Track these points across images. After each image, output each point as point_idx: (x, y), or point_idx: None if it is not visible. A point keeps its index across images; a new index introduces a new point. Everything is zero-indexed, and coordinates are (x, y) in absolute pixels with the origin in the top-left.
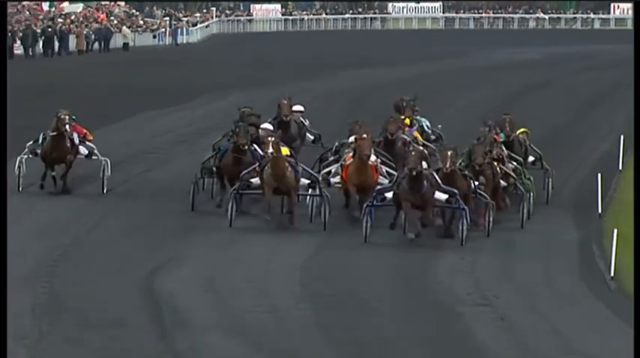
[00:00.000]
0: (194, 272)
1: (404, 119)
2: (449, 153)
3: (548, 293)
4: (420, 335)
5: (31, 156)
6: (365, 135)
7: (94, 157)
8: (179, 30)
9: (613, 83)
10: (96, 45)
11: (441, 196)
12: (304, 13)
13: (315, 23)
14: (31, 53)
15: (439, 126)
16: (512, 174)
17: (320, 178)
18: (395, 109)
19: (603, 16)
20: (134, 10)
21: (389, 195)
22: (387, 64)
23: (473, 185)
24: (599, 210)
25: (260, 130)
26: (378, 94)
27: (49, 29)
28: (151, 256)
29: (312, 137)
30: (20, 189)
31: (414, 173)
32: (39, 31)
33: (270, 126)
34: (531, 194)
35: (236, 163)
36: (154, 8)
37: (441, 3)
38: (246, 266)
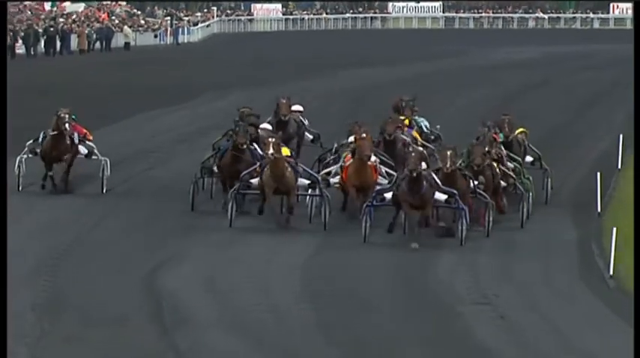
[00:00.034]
0: (194, 271)
1: (403, 119)
2: (449, 153)
3: (548, 292)
4: (420, 334)
5: (30, 155)
6: (364, 135)
7: (93, 157)
8: (180, 29)
9: (612, 82)
10: (97, 44)
11: (440, 196)
12: (305, 12)
13: (315, 23)
14: (32, 52)
15: (438, 126)
16: (512, 174)
17: (320, 178)
18: (394, 110)
19: (602, 16)
20: (135, 10)
21: (388, 195)
22: (387, 63)
23: (472, 185)
24: (599, 209)
25: (259, 130)
26: (378, 94)
27: (51, 29)
28: (151, 256)
29: (311, 136)
30: (20, 188)
31: (414, 174)
32: (41, 30)
33: (269, 126)
34: (530, 194)
35: (235, 163)
36: (155, 8)
37: (440, 3)
38: (246, 265)
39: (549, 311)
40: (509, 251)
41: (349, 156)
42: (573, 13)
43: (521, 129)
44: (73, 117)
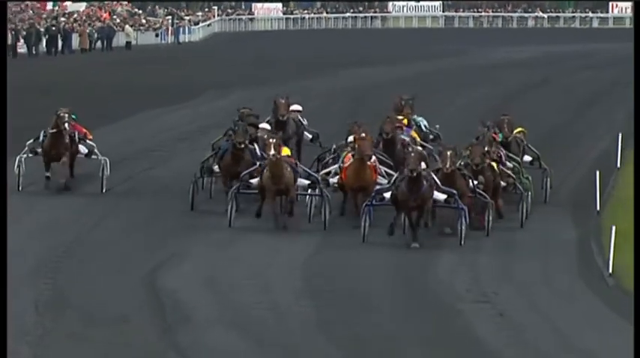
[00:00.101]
0: (195, 270)
1: (401, 119)
2: (449, 153)
3: (547, 291)
4: (420, 333)
5: (30, 155)
6: (364, 135)
7: (93, 156)
8: (181, 29)
9: (611, 82)
10: (99, 43)
11: (439, 196)
12: (305, 12)
13: (315, 22)
14: (34, 52)
15: (437, 125)
16: (512, 173)
17: (319, 178)
18: (395, 110)
19: (602, 15)
20: (137, 9)
21: (387, 195)
22: (387, 62)
23: (472, 184)
24: (598, 208)
25: (259, 130)
26: (378, 93)
27: (53, 28)
28: (151, 256)
29: (310, 136)
30: (20, 188)
31: (414, 174)
32: (43, 29)
33: (267, 126)
34: (530, 193)
35: (236, 163)
36: (157, 7)
37: (440, 2)
38: (246, 265)
39: (548, 308)
40: (509, 250)
41: (349, 155)
42: (572, 12)
43: (519, 129)
44: (73, 116)
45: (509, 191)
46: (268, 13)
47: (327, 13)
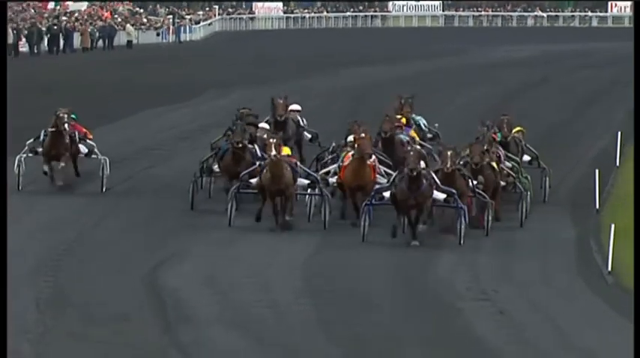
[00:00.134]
0: (195, 269)
1: (400, 118)
2: (449, 153)
3: (547, 289)
4: (420, 331)
5: (30, 154)
6: (364, 135)
7: (93, 156)
8: (182, 28)
9: (611, 81)
10: (100, 42)
11: (439, 196)
12: (305, 11)
13: (316, 21)
14: (36, 51)
15: (436, 124)
16: (512, 173)
17: (319, 178)
18: (396, 110)
19: (601, 14)
20: (138, 8)
21: (387, 194)
22: (387, 61)
23: (471, 184)
24: (597, 206)
25: (258, 130)
26: (378, 92)
27: (55, 27)
28: (152, 255)
29: (309, 136)
30: (20, 188)
31: (414, 173)
32: (44, 28)
33: (266, 126)
34: (529, 193)
35: (235, 162)
36: (158, 6)
37: (440, 1)
38: (246, 264)
39: (548, 306)
40: (509, 249)
41: (349, 155)
42: (572, 11)
43: (518, 129)
44: (73, 116)
45: (509, 190)
46: (269, 13)
47: (327, 12)
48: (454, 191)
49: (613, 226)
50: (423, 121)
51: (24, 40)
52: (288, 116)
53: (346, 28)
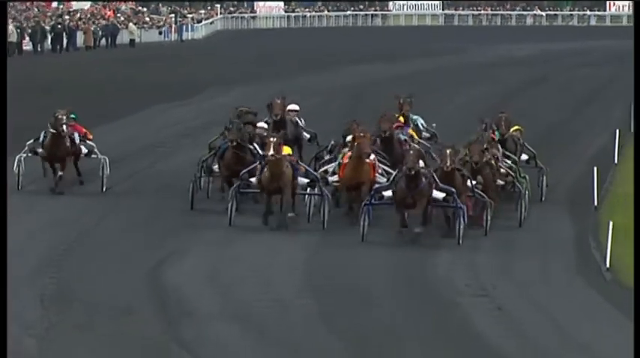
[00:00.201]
0: (196, 268)
1: (397, 117)
2: (448, 151)
3: (546, 285)
4: (420, 326)
5: (30, 154)
6: (363, 134)
7: (93, 156)
8: (184, 26)
9: (609, 79)
10: (103, 41)
11: (438, 195)
12: (306, 10)
13: (317, 20)
14: (39, 49)
15: (434, 124)
16: (510, 172)
17: (319, 177)
18: (398, 109)
19: (599, 13)
20: (140, 7)
21: (386, 193)
22: (387, 60)
23: (470, 183)
24: (595, 203)
25: (257, 129)
26: (377, 91)
27: (58, 26)
28: (152, 255)
29: (307, 136)
30: (20, 188)
31: (413, 172)
32: (48, 27)
33: (265, 126)
34: (527, 192)
35: (235, 161)
36: (160, 5)
37: (440, 1)
38: (246, 264)
39: (546, 302)
40: (507, 247)
41: (348, 154)
42: (570, 10)
43: (516, 127)
44: (73, 116)
45: (508, 190)
46: (270, 12)
47: (328, 11)
48: (453, 190)
49: (611, 223)
50: (420, 121)
51: (27, 38)
52: (285, 116)
53: (347, 27)
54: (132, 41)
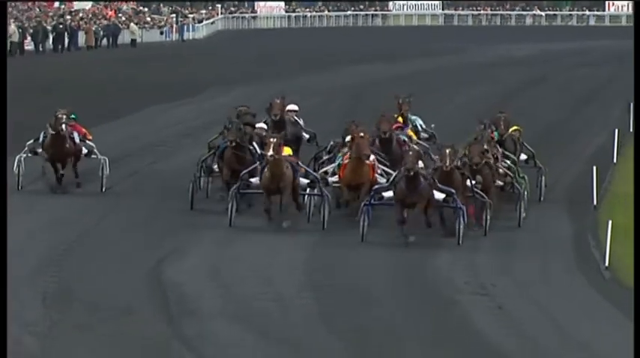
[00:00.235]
0: (197, 265)
1: (397, 117)
2: (447, 151)
3: (545, 284)
4: (420, 324)
5: (30, 154)
6: (362, 134)
7: (93, 156)
8: (185, 26)
9: (608, 79)
10: (104, 41)
11: (438, 195)
12: (307, 10)
13: (317, 20)
14: (41, 49)
15: (432, 125)
16: (509, 172)
17: (319, 178)
18: (398, 109)
19: (598, 13)
20: (142, 7)
21: (386, 194)
22: (387, 60)
23: (470, 184)
24: (594, 202)
25: (256, 129)
26: (377, 90)
27: (60, 25)
28: (152, 255)
29: (307, 136)
30: (20, 188)
31: (412, 173)
32: (49, 27)
33: (264, 126)
34: (526, 192)
35: (235, 161)
36: (161, 5)
37: (440, 1)
38: (246, 264)
39: (546, 301)
40: (507, 246)
41: (348, 154)
42: (570, 10)
43: (515, 127)
44: (73, 116)
45: (507, 190)
46: (271, 12)
47: (328, 11)
48: (453, 191)
49: (610, 222)
50: (419, 121)
51: (29, 38)
52: (284, 116)
53: (347, 27)
54: (133, 41)
